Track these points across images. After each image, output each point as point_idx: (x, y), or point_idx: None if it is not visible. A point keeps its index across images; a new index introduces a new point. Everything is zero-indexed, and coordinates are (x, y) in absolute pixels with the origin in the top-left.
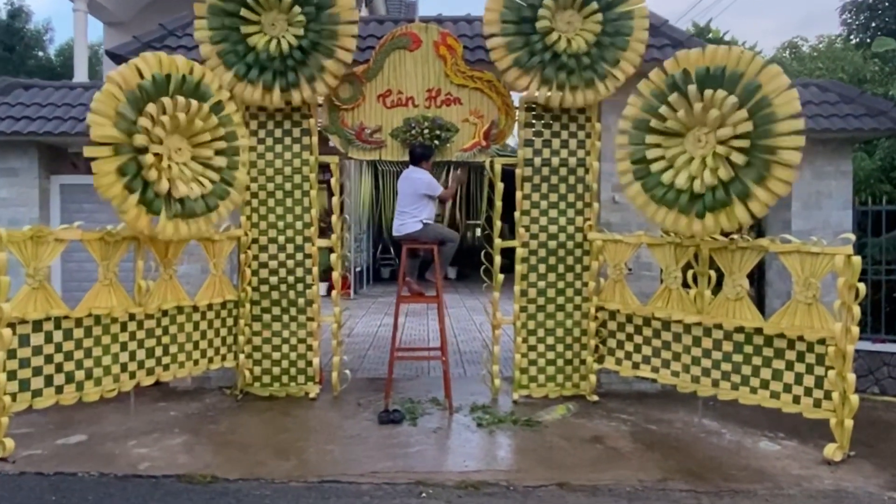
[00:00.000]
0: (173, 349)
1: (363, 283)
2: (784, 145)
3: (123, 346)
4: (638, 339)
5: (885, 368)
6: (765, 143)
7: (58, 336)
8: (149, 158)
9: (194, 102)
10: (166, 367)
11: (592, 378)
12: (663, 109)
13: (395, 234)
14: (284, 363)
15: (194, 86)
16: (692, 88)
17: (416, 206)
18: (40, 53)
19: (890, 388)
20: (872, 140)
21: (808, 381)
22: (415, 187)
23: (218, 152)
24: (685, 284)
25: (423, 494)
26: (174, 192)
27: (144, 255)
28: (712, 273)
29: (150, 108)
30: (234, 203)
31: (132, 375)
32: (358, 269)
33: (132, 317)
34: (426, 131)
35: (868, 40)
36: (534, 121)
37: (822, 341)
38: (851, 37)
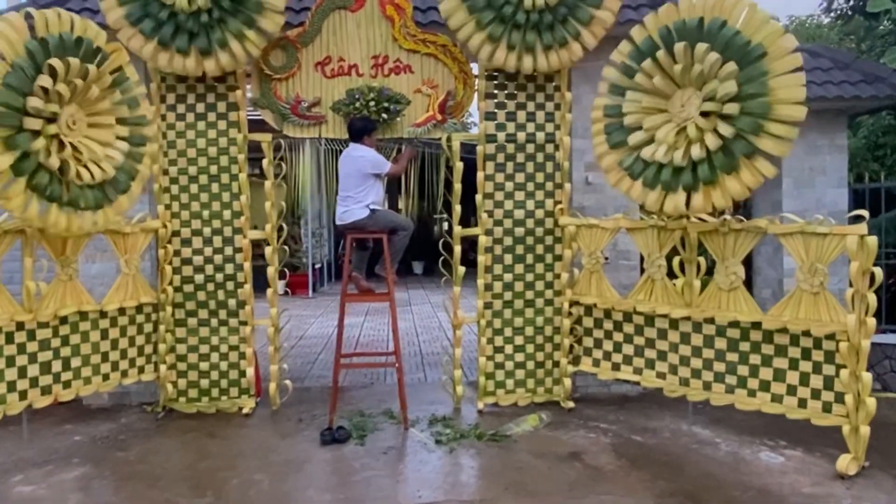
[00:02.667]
0: (76, 362)
1: (323, 280)
2: (783, 99)
3: (10, 362)
4: (618, 336)
5: (888, 362)
6: (757, 101)
7: None
8: (40, 126)
9: (91, 67)
10: (67, 385)
11: (567, 382)
12: (641, 73)
13: (338, 222)
14: (214, 374)
15: (85, 46)
16: (676, 47)
17: (361, 188)
18: None
19: (893, 384)
20: (856, 116)
21: (816, 381)
22: (358, 166)
23: (121, 129)
24: (670, 274)
25: None
26: (70, 176)
27: (34, 252)
28: (702, 260)
29: (42, 79)
30: (139, 188)
31: (22, 396)
32: (317, 265)
33: (20, 326)
34: (372, 104)
35: (849, 12)
36: (496, 91)
37: (831, 336)
38: (832, 7)
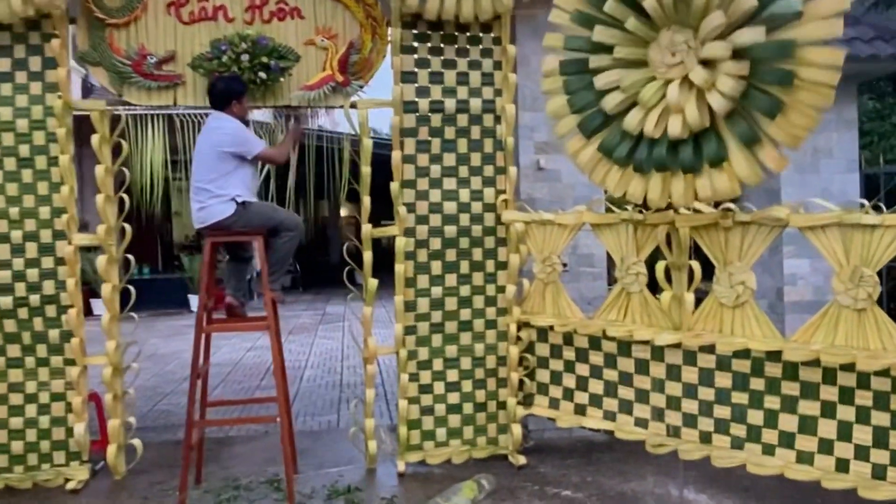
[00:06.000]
0: None
1: (254, 294)
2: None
3: None
4: (582, 369)
5: None
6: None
7: None
8: None
9: None
10: None
11: (516, 430)
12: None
13: (196, 224)
14: (30, 434)
15: None
16: None
17: (219, 175)
18: None
19: None
20: (864, 85)
21: (862, 435)
22: (213, 142)
23: None
24: (652, 285)
25: None
26: None
27: None
28: (696, 265)
29: None
30: None
31: None
32: (248, 276)
33: None
34: (245, 59)
35: None
36: (416, 43)
37: (884, 372)
38: None
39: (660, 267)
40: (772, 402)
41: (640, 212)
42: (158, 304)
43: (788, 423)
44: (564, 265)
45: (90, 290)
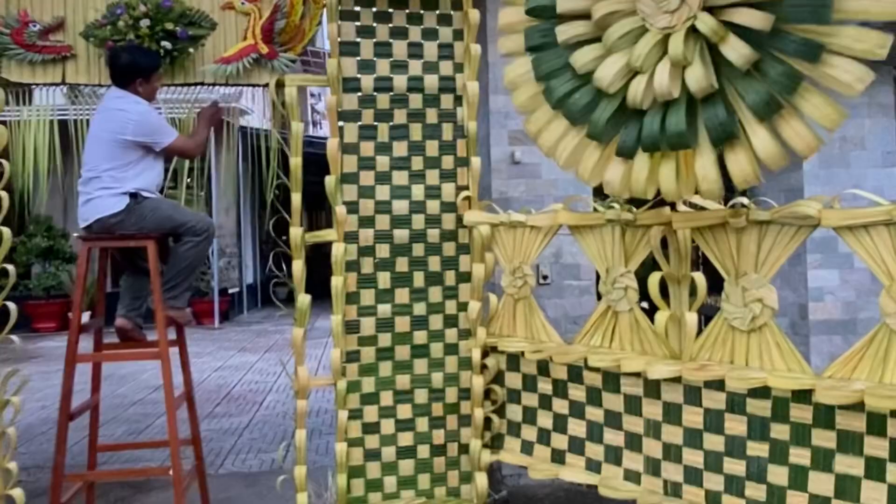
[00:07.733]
0: None
1: (242, 306)
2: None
3: None
4: (560, 406)
5: None
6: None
7: None
8: None
9: None
10: None
11: (481, 479)
12: None
13: (79, 222)
14: None
15: None
16: None
17: (116, 165)
18: None
19: None
20: None
21: None
22: (113, 126)
23: None
24: (645, 302)
25: None
26: None
27: None
28: (699, 277)
29: None
30: None
31: None
32: (234, 289)
33: None
34: (145, 24)
35: None
36: (358, 7)
37: None
38: None
39: (653, 280)
40: (799, 456)
41: (630, 210)
42: (144, 317)
43: (821, 484)
44: (545, 277)
45: (70, 302)
